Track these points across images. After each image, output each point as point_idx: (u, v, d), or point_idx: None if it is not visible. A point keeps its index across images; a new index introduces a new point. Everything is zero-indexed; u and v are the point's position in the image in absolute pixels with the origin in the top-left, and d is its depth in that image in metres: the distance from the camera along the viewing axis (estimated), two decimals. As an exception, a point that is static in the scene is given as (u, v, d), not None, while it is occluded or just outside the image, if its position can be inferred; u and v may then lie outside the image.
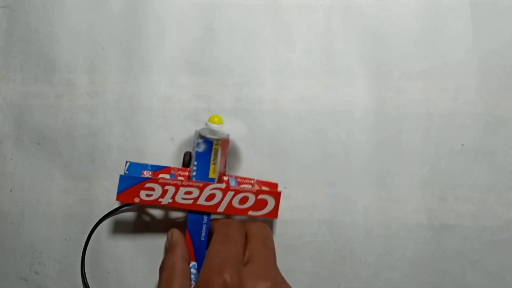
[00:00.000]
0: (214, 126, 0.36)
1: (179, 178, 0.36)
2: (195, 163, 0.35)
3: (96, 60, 0.43)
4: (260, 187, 0.38)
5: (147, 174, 0.37)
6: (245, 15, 0.43)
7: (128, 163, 0.37)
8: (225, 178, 0.38)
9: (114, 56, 0.43)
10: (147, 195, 0.34)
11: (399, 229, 0.41)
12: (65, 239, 0.42)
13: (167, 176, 0.37)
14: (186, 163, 0.37)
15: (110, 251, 0.41)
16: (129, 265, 0.41)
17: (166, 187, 0.34)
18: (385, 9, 0.43)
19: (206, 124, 0.36)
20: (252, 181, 0.39)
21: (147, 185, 0.34)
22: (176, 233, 0.36)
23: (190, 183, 0.34)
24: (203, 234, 0.35)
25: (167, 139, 0.42)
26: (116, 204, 0.41)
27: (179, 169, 0.38)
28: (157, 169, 0.37)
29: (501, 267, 0.41)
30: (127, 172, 0.37)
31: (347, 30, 0.43)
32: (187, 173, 0.37)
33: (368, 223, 0.41)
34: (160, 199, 0.34)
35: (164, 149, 0.42)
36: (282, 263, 0.38)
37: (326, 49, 0.43)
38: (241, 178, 0.39)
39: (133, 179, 0.34)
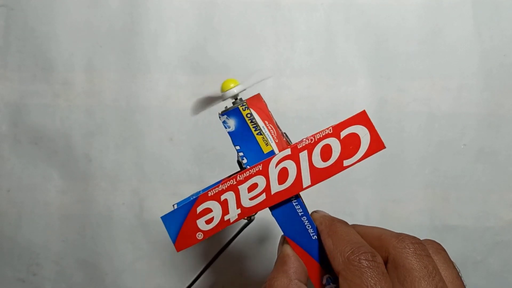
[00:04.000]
0: (232, 91, 0.27)
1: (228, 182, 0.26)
2: (237, 147, 0.26)
3: (94, 58, 0.42)
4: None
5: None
6: (245, 13, 0.42)
7: (175, 205, 0.27)
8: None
9: (113, 54, 0.42)
10: (208, 222, 0.26)
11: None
12: (62, 240, 0.41)
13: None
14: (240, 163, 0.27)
15: (108, 253, 0.41)
16: (127, 267, 0.41)
17: (223, 197, 0.26)
18: (386, 7, 0.42)
19: (221, 97, 0.28)
20: (328, 131, 0.27)
21: (199, 208, 0.26)
22: (286, 243, 0.27)
23: (247, 173, 0.25)
24: (310, 230, 0.26)
25: (166, 139, 0.41)
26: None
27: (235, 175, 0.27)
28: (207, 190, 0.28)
29: (504, 268, 0.41)
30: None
31: (348, 29, 0.42)
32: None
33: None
34: (226, 217, 0.26)
35: (163, 149, 0.41)
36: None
37: (326, 47, 0.42)
38: (314, 136, 0.27)
39: (178, 212, 0.26)
